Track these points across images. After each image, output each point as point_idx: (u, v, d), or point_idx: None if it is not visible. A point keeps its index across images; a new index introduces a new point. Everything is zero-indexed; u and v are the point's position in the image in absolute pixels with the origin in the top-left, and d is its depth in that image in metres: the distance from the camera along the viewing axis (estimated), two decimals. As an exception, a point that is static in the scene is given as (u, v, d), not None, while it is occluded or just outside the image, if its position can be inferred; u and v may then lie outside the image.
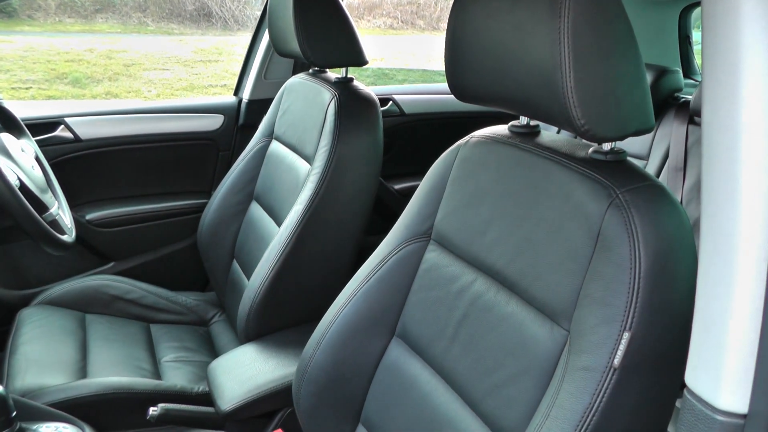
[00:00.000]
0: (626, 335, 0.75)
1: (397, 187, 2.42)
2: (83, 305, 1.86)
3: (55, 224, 1.52)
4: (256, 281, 1.55)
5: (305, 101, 1.73)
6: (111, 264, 2.13)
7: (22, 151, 1.56)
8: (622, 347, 0.75)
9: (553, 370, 0.84)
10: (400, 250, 1.10)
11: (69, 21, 8.55)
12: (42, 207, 1.51)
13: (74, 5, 8.59)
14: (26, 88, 5.38)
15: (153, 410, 1.25)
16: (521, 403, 0.86)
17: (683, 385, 0.65)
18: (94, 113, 2.07)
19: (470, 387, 0.95)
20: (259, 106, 2.11)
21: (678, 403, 0.71)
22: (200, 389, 1.51)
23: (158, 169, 2.17)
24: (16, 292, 2.00)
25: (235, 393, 1.33)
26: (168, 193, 2.20)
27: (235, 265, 1.86)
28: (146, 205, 2.14)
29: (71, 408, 1.41)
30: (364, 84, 1.68)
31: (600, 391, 0.75)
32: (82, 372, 1.58)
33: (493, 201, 0.98)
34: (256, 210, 1.84)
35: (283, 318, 1.55)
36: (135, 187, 2.17)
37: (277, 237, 1.55)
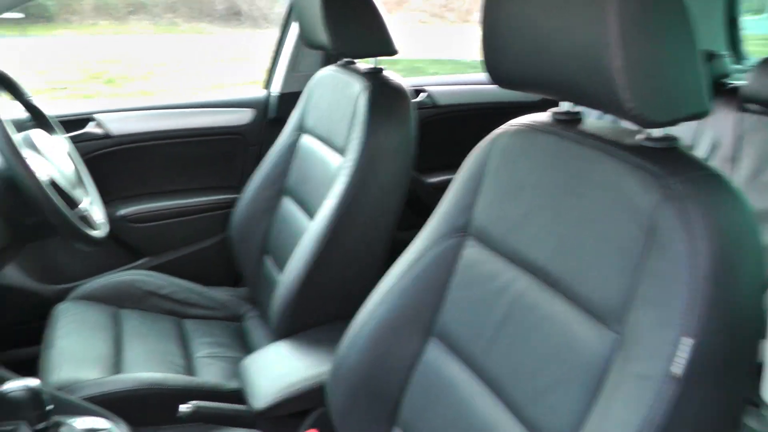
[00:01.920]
0: (686, 341, 0.67)
1: (430, 180, 2.36)
2: (117, 300, 1.86)
3: (85, 220, 1.52)
4: (289, 277, 1.52)
5: (335, 93, 1.69)
6: (144, 259, 2.13)
7: (53, 147, 1.55)
8: (681, 354, 0.68)
9: (602, 376, 0.77)
10: (437, 245, 1.05)
11: (104, 23, 8.65)
12: (72, 202, 1.50)
13: (108, 7, 8.69)
14: (63, 89, 5.45)
15: (185, 407, 1.23)
16: (567, 411, 0.80)
17: (749, 399, 0.59)
18: (124, 109, 2.07)
19: (512, 391, 0.89)
20: (288, 100, 2.08)
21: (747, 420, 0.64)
22: (233, 386, 1.49)
23: (188, 165, 2.16)
24: (52, 287, 2.01)
25: (268, 391, 1.31)
26: (198, 188, 2.19)
27: (267, 260, 1.84)
28: (177, 201, 2.14)
29: (106, 402, 1.42)
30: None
31: (658, 403, 0.68)
32: (117, 367, 1.58)
33: (533, 193, 0.93)
34: (287, 204, 1.82)
35: (317, 315, 1.51)
36: (166, 182, 2.16)
37: (309, 232, 1.52)
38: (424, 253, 1.06)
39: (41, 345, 1.64)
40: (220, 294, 1.98)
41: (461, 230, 1.03)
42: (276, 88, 2.22)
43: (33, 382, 1.19)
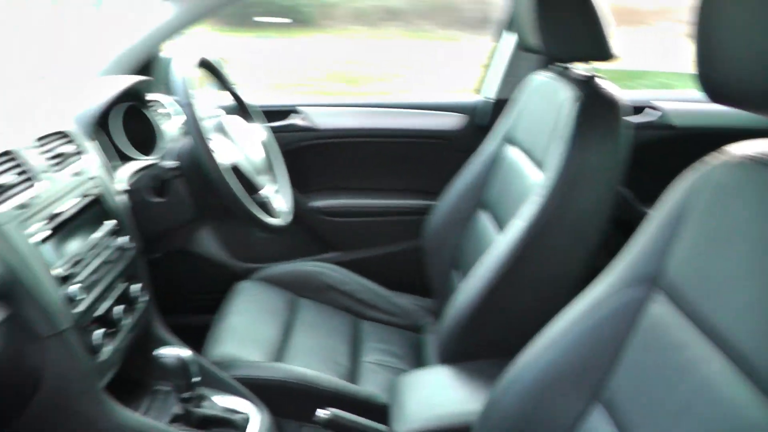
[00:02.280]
0: None
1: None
2: (297, 288, 1.87)
3: (264, 206, 1.52)
4: (463, 299, 1.38)
5: (542, 101, 1.52)
6: (333, 253, 2.13)
7: (246, 133, 1.58)
8: None
9: None
10: (618, 294, 0.84)
11: (358, 28, 9.16)
12: (254, 188, 1.52)
13: (364, 14, 9.19)
14: (308, 85, 5.87)
15: (322, 412, 1.16)
16: None
17: None
18: (332, 104, 2.09)
19: None
20: (502, 107, 1.94)
21: None
22: (386, 400, 1.40)
23: (391, 165, 2.12)
24: (240, 263, 2.10)
25: (413, 417, 1.19)
26: (398, 190, 2.14)
27: (455, 275, 1.72)
28: (374, 200, 2.10)
29: (255, 387, 1.43)
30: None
31: None
32: (279, 354, 1.58)
33: (745, 247, 0.68)
34: (482, 219, 1.68)
35: (485, 344, 1.36)
36: (365, 180, 2.14)
37: (491, 254, 1.36)
38: (604, 301, 0.86)
39: (215, 317, 1.69)
40: (404, 301, 1.90)
41: (649, 281, 0.81)
42: (489, 94, 2.09)
43: (185, 353, 1.21)
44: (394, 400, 1.29)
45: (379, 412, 1.35)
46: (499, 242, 1.36)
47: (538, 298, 1.33)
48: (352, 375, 1.58)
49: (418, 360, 1.71)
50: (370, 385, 1.53)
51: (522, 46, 1.62)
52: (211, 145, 1.42)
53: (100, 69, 1.73)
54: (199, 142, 1.35)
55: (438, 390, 1.27)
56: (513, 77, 2.03)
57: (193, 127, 1.35)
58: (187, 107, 1.35)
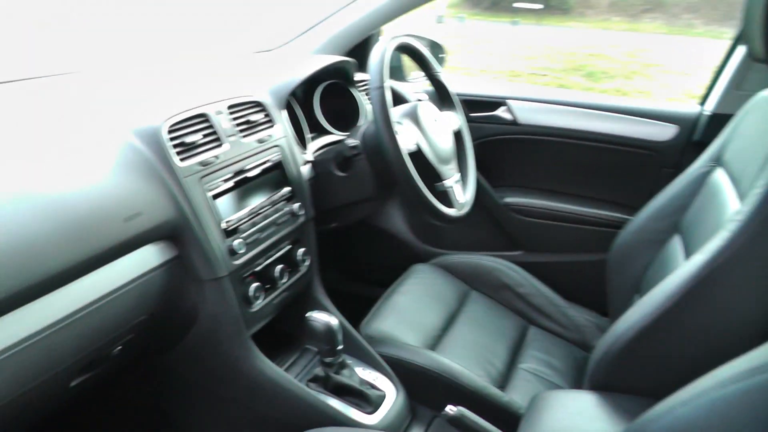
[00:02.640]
0: None
1: None
2: (472, 281, 1.86)
3: (444, 195, 1.52)
4: (625, 326, 1.27)
5: (763, 123, 1.32)
6: (516, 252, 2.08)
7: (438, 121, 1.57)
8: None
9: None
10: None
11: (616, 19, 8.71)
12: (435, 176, 1.52)
13: (624, 4, 8.70)
14: (542, 75, 5.69)
15: (451, 409, 1.14)
16: None
17: None
18: (537, 99, 2.00)
19: None
20: (720, 122, 1.72)
21: None
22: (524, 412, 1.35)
23: (589, 171, 1.99)
24: (423, 246, 2.13)
25: None
26: (592, 198, 2.01)
27: (636, 299, 1.58)
28: (567, 205, 2.00)
29: (400, 368, 1.46)
30: None
31: None
32: (434, 342, 1.59)
33: None
34: (675, 245, 1.51)
35: (638, 378, 1.23)
36: (560, 182, 2.04)
37: (664, 285, 1.23)
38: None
39: (385, 292, 1.73)
40: (579, 315, 1.80)
41: None
42: (710, 107, 1.87)
43: (333, 320, 1.27)
44: (528, 414, 1.24)
45: (514, 421, 1.31)
46: (676, 274, 1.22)
47: (704, 343, 1.17)
48: (503, 379, 1.54)
49: (577, 379, 1.61)
50: (516, 393, 1.48)
51: (752, 56, 1.42)
52: (399, 129, 1.44)
53: (313, 47, 1.84)
54: (382, 125, 1.37)
55: (574, 417, 1.18)
56: (738, 90, 1.80)
57: (379, 110, 1.37)
58: (376, 90, 1.38)
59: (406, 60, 2.05)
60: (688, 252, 1.41)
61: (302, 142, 1.58)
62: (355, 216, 1.66)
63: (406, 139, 1.46)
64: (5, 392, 0.85)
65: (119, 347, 1.09)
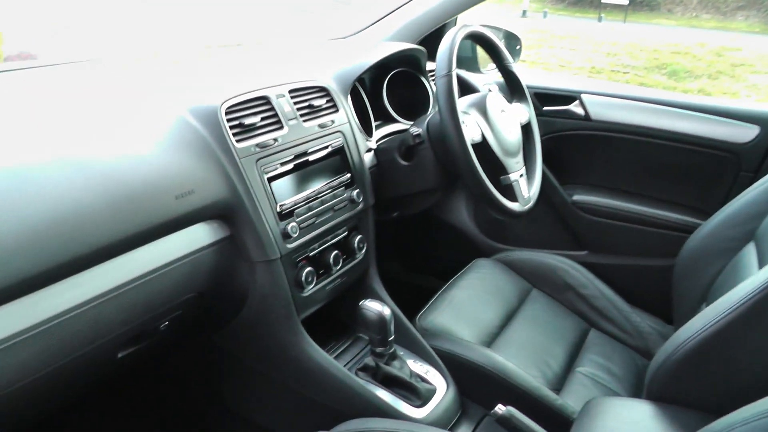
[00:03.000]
0: None
1: None
2: (534, 279, 1.81)
3: (508, 189, 1.48)
4: (685, 333, 1.20)
5: None
6: (583, 252, 2.01)
7: (507, 113, 1.53)
8: None
9: None
10: None
11: (705, 17, 8.35)
12: (500, 169, 1.48)
13: (716, 1, 8.32)
14: (624, 72, 5.50)
15: (500, 408, 1.11)
16: None
17: None
18: (611, 95, 1.92)
19: None
20: None
21: None
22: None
23: (662, 171, 1.90)
24: (488, 240, 2.10)
25: None
26: (664, 200, 1.92)
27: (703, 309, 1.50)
28: (636, 206, 1.91)
29: (453, 363, 1.44)
30: None
31: None
32: (490, 339, 1.55)
33: None
34: (748, 254, 1.42)
35: (696, 392, 1.16)
36: (631, 182, 1.96)
37: (731, 293, 1.15)
38: None
39: (443, 286, 1.70)
40: (643, 321, 1.73)
41: None
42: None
43: (386, 310, 1.25)
44: (580, 420, 1.19)
45: (566, 426, 1.27)
46: (745, 284, 1.14)
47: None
48: (559, 381, 1.49)
49: (636, 387, 1.55)
50: (571, 397, 1.43)
51: None
52: (465, 119, 1.41)
53: (386, 35, 1.82)
54: (447, 114, 1.34)
55: (627, 427, 1.13)
56: None
57: (444, 99, 1.35)
58: (443, 78, 1.35)
59: (482, 52, 2.01)
60: (763, 262, 1.32)
61: (368, 130, 1.56)
62: (418, 206, 1.64)
63: (472, 129, 1.43)
64: (55, 358, 0.88)
65: (166, 322, 1.11)
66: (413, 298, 1.63)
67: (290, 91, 1.30)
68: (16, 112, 1.02)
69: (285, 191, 1.22)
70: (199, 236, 1.07)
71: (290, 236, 1.21)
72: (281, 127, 1.24)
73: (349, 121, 1.43)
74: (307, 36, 1.94)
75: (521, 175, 1.53)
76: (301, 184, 1.27)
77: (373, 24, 1.86)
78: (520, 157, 1.54)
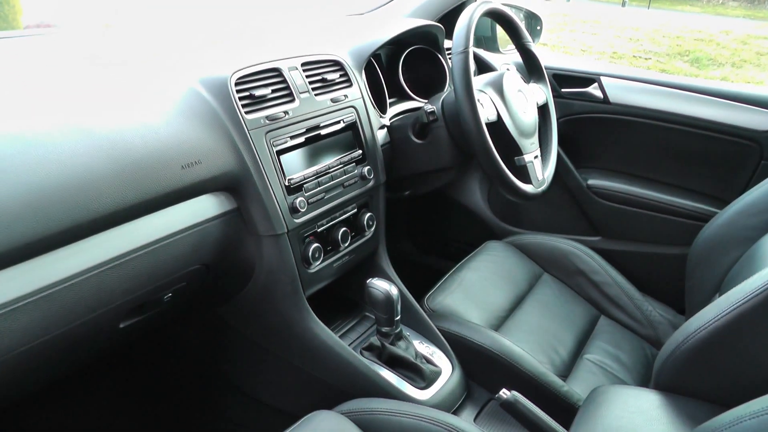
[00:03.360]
0: None
1: None
2: (546, 263, 1.80)
3: (522, 170, 1.45)
4: (696, 323, 1.17)
5: None
6: (596, 238, 1.98)
7: (523, 93, 1.50)
8: None
9: None
10: None
11: (732, 4, 8.20)
12: (515, 150, 1.45)
13: (746, -11, 8.15)
14: (645, 59, 5.41)
15: (505, 393, 1.10)
16: None
17: None
18: (631, 78, 1.88)
19: None
20: None
21: None
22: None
23: (680, 158, 1.86)
24: (500, 223, 2.07)
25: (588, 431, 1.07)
26: (681, 187, 1.88)
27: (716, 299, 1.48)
28: (653, 192, 1.88)
29: (459, 345, 1.42)
30: None
31: None
32: (498, 323, 1.54)
33: None
34: (766, 245, 1.39)
35: (705, 383, 1.14)
36: (648, 168, 1.92)
37: (744, 283, 1.12)
38: None
39: (454, 267, 1.69)
40: (654, 310, 1.70)
41: None
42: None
43: (393, 290, 1.24)
44: (585, 407, 1.18)
45: (571, 412, 1.25)
46: (759, 275, 1.11)
47: None
48: (566, 368, 1.48)
49: (644, 376, 1.53)
50: (578, 384, 1.42)
51: None
52: (480, 97, 1.39)
53: (405, 12, 1.79)
54: (462, 92, 1.32)
55: (633, 416, 1.11)
56: None
57: (460, 76, 1.32)
58: (459, 55, 1.33)
59: (502, 33, 1.97)
60: None
61: (382, 107, 1.54)
62: (431, 185, 1.62)
63: (487, 108, 1.40)
64: (56, 325, 0.87)
65: (170, 294, 1.10)
66: (424, 278, 1.62)
67: (303, 64, 1.28)
68: (26, 78, 1.01)
69: (294, 165, 1.21)
70: (205, 207, 1.06)
71: (298, 211, 1.19)
72: (293, 100, 1.22)
73: (362, 97, 1.41)
74: (325, 11, 1.91)
75: (536, 157, 1.50)
76: (312, 158, 1.25)
77: (391, 0, 1.83)
78: (535, 138, 1.52)
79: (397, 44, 1.65)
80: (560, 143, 1.81)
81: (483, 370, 1.41)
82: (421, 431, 1.07)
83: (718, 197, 1.82)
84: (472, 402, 1.39)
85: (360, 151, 1.38)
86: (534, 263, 1.79)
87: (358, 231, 1.41)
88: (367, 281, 1.26)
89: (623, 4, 11.45)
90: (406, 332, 1.38)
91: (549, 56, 1.95)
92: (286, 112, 1.19)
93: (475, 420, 1.34)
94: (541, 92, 1.60)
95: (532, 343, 1.48)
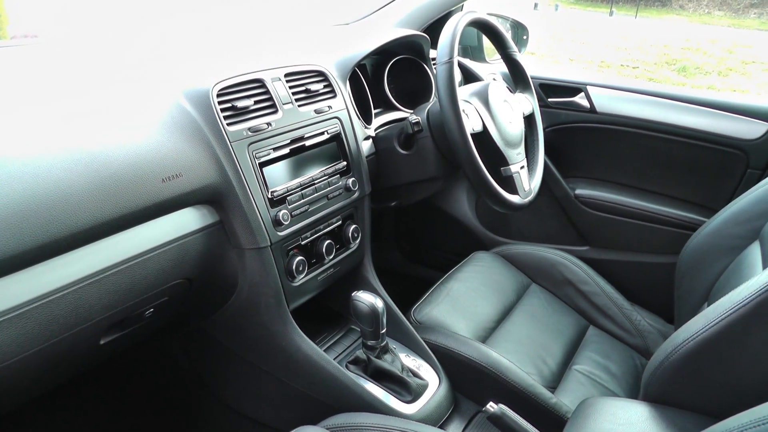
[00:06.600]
0: None
1: None
2: (534, 273, 1.79)
3: (509, 181, 1.44)
4: (684, 333, 1.17)
5: None
6: (584, 248, 1.98)
7: (508, 103, 1.50)
8: None
9: None
10: None
11: (718, 14, 8.27)
12: (501, 160, 1.44)
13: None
14: (633, 67, 5.44)
15: (492, 406, 1.08)
16: None
17: None
18: (617, 87, 1.89)
19: None
20: None
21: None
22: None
23: (667, 166, 1.87)
24: (487, 233, 2.07)
25: None
26: (668, 196, 1.88)
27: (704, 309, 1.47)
28: (640, 201, 1.88)
29: (446, 357, 1.41)
30: None
31: None
32: (486, 334, 1.53)
33: None
34: (753, 253, 1.38)
35: (694, 394, 1.13)
36: (635, 177, 1.92)
37: (733, 293, 1.11)
38: None
39: (442, 278, 1.68)
40: (644, 320, 1.70)
41: None
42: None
43: (378, 302, 1.22)
44: (573, 419, 1.17)
45: (559, 425, 1.24)
46: (748, 284, 1.11)
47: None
48: (555, 379, 1.47)
49: (633, 387, 1.52)
50: (567, 395, 1.41)
51: None
52: (466, 108, 1.38)
53: (391, 22, 1.79)
54: (447, 102, 1.31)
55: (621, 428, 1.10)
56: None
57: (444, 86, 1.31)
58: (443, 65, 1.32)
59: (488, 43, 1.97)
60: (766, 260, 1.29)
61: (367, 117, 1.53)
62: (417, 196, 1.61)
63: (473, 118, 1.40)
64: (33, 342, 0.85)
65: (152, 309, 1.08)
66: (411, 289, 1.60)
67: (286, 75, 1.26)
68: (7, 89, 1.00)
69: (277, 177, 1.19)
70: (187, 221, 1.04)
71: (282, 223, 1.18)
72: (275, 111, 1.21)
73: (346, 107, 1.40)
74: (310, 22, 1.90)
75: (522, 167, 1.49)
76: (295, 170, 1.24)
77: (377, 10, 1.83)
78: (521, 149, 1.51)
79: (382, 54, 1.64)
80: (547, 153, 1.80)
81: (470, 383, 1.39)
82: None
83: (705, 206, 1.82)
84: (460, 415, 1.37)
85: (344, 163, 1.36)
86: (522, 273, 1.78)
87: (342, 243, 1.40)
88: (352, 294, 1.25)
89: (611, 14, 11.53)
90: (393, 345, 1.37)
91: (536, 66, 1.95)
92: (268, 124, 1.17)
93: None
94: (528, 102, 1.59)
95: (520, 354, 1.47)
